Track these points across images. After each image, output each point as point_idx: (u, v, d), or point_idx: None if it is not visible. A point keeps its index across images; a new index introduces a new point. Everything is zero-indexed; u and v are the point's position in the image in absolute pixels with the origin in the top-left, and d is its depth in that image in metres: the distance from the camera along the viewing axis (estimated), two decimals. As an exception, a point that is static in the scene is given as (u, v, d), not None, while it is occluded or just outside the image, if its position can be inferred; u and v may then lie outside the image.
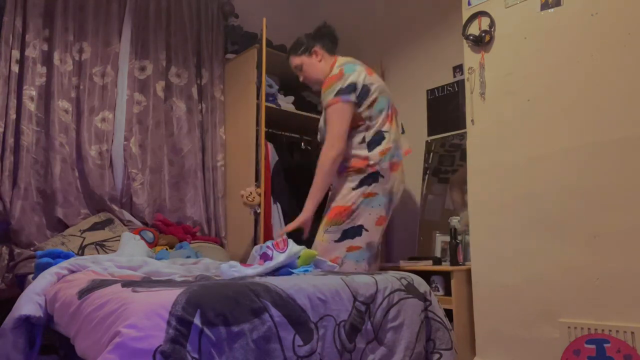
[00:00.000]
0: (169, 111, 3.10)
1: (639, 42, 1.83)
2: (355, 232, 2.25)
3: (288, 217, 3.00)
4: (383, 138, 2.33)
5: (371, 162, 2.29)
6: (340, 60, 2.44)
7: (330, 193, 2.42)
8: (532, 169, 2.07)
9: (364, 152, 2.31)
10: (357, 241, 2.25)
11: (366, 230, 2.26)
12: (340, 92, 2.30)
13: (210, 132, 3.23)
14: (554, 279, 1.95)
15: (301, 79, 2.56)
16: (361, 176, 2.29)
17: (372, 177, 2.28)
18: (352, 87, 2.31)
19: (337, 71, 2.36)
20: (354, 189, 2.29)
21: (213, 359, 1.11)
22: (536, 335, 1.98)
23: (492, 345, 2.13)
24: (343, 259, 2.23)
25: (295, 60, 2.54)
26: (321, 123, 2.45)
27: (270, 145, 3.10)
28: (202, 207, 3.11)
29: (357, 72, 2.35)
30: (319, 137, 2.50)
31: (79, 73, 2.79)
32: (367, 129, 2.34)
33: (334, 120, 2.29)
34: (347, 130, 2.30)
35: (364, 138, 2.33)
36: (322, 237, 2.29)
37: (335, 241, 2.26)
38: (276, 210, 3.01)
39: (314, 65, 2.49)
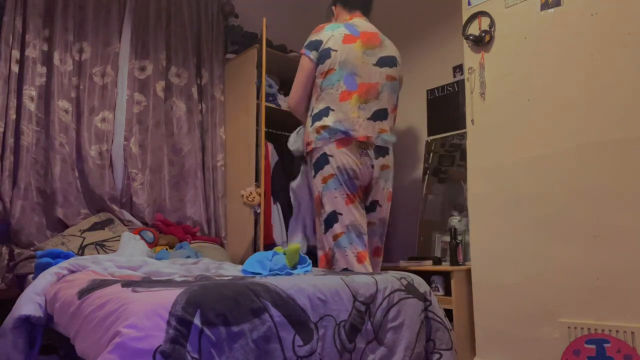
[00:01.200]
0: (169, 111, 3.10)
1: (639, 42, 1.83)
2: (331, 219, 2.19)
3: (288, 217, 3.00)
4: (326, 115, 2.23)
5: (309, 139, 2.26)
6: (352, 20, 2.39)
7: None
8: (532, 169, 2.07)
9: (308, 126, 2.30)
10: (338, 227, 2.18)
11: (340, 213, 2.18)
12: (306, 46, 2.33)
13: (210, 132, 3.23)
14: (554, 279, 1.95)
15: None
16: (312, 162, 2.26)
17: (323, 160, 2.21)
18: (314, 45, 2.30)
19: (322, 25, 2.36)
20: (314, 177, 2.26)
21: (213, 359, 1.11)
22: (536, 335, 1.98)
23: (492, 345, 2.13)
24: (333, 249, 2.19)
25: None
26: None
27: (270, 146, 3.10)
28: (202, 207, 3.11)
29: (330, 33, 2.29)
30: None
31: (79, 73, 2.79)
32: (317, 100, 2.29)
33: (298, 70, 2.34)
34: (304, 84, 2.31)
35: (312, 110, 2.30)
36: (319, 231, 2.27)
37: (324, 233, 2.22)
38: (276, 210, 3.01)
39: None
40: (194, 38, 3.26)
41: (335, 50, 2.26)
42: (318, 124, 2.24)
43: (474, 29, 2.32)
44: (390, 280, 1.65)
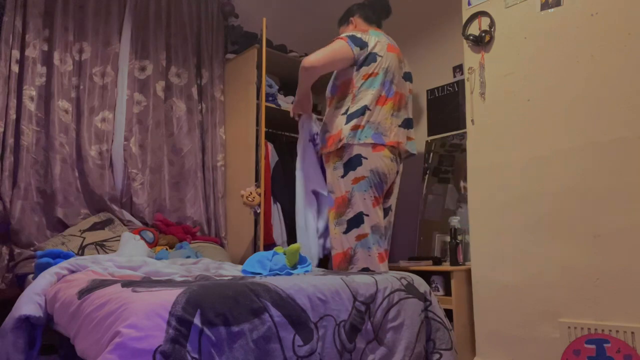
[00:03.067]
0: (169, 111, 3.10)
1: (639, 42, 1.83)
2: (358, 220, 2.23)
3: (288, 217, 3.01)
4: (363, 114, 2.27)
5: (342, 136, 2.27)
6: (378, 31, 2.46)
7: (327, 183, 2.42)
8: (532, 169, 2.07)
9: (341, 123, 2.30)
10: (363, 228, 2.22)
11: (366, 215, 2.23)
12: (350, 37, 2.33)
13: (210, 132, 3.23)
14: (554, 279, 1.95)
15: None
16: (343, 161, 2.27)
17: (357, 160, 2.24)
18: (359, 42, 2.33)
19: (365, 28, 2.44)
20: (342, 177, 2.27)
21: (213, 359, 1.11)
22: (536, 335, 1.98)
23: (492, 345, 2.13)
24: (354, 249, 2.23)
25: (339, 31, 2.56)
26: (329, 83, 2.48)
27: (270, 146, 3.10)
28: (202, 207, 3.11)
29: (376, 39, 2.37)
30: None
31: (79, 73, 2.79)
32: (353, 100, 2.31)
33: (329, 46, 2.31)
34: (332, 62, 2.30)
35: (347, 109, 2.31)
36: (334, 230, 2.30)
37: (344, 233, 2.25)
38: (276, 210, 3.01)
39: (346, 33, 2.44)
40: (194, 38, 3.26)
41: (381, 56, 2.34)
42: (354, 122, 2.26)
43: (474, 29, 2.33)
44: (390, 280, 1.65)
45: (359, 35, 2.35)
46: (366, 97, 2.29)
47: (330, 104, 2.43)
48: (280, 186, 3.05)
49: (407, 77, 2.51)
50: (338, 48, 2.30)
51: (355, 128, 2.26)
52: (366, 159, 2.24)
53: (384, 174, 2.27)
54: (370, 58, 2.32)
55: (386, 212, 2.41)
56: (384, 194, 2.33)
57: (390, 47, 2.41)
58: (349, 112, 2.30)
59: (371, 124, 2.27)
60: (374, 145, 2.26)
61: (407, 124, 2.42)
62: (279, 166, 3.10)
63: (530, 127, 2.09)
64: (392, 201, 2.44)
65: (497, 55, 2.24)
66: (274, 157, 3.11)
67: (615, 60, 1.88)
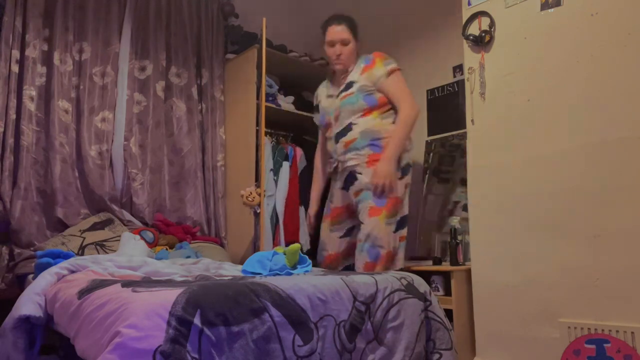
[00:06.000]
0: (169, 111, 3.10)
1: (639, 42, 1.83)
2: (404, 222, 2.42)
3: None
4: None
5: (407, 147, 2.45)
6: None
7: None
8: (532, 169, 2.06)
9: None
10: (404, 231, 2.42)
11: (407, 219, 2.45)
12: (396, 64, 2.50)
13: (210, 132, 3.23)
14: (554, 279, 1.95)
15: (337, 52, 2.51)
16: (402, 165, 2.41)
17: (409, 168, 2.46)
18: None
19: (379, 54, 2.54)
20: (400, 178, 2.39)
21: (213, 359, 1.11)
22: (536, 335, 1.98)
23: (492, 345, 2.13)
24: (397, 249, 2.37)
25: (347, 36, 2.52)
26: (356, 93, 2.45)
27: (300, 151, 3.21)
28: (202, 207, 3.11)
29: None
30: (349, 108, 2.47)
31: (79, 73, 2.78)
32: (395, 111, 2.46)
33: (403, 84, 2.47)
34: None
35: (394, 121, 2.46)
36: (384, 228, 2.33)
37: (394, 232, 2.36)
38: (302, 213, 3.15)
39: (354, 52, 2.55)
40: (194, 38, 3.26)
41: None
42: None
43: (474, 29, 2.32)
44: (390, 280, 1.65)
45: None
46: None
47: (367, 114, 2.43)
48: (306, 191, 3.11)
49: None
50: (404, 80, 2.50)
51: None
52: (411, 166, 2.49)
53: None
54: None
55: None
56: None
57: None
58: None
59: None
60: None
61: None
62: (306, 171, 3.18)
63: (530, 127, 2.09)
64: None
65: (497, 55, 2.24)
66: (302, 162, 3.22)
67: (615, 60, 1.87)
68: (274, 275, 1.69)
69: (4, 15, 2.52)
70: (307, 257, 1.91)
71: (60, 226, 2.61)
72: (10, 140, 2.47)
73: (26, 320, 1.56)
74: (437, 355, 1.68)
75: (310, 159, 3.23)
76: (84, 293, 1.38)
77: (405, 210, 2.42)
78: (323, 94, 2.66)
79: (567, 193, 1.95)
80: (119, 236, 2.52)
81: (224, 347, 1.14)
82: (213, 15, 3.34)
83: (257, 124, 2.95)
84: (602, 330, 1.79)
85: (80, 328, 1.28)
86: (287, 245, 2.79)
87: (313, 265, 2.24)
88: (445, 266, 2.49)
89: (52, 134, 2.61)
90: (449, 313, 2.15)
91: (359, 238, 2.37)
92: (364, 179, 2.38)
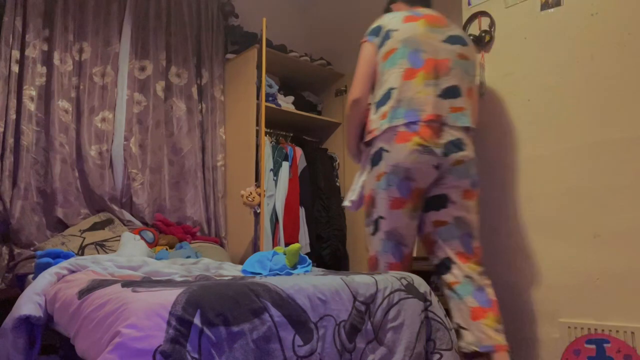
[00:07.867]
0: (169, 111, 3.10)
1: (639, 42, 1.83)
2: (379, 221, 1.99)
3: (312, 221, 3.19)
4: (389, 97, 1.95)
5: (371, 127, 2.01)
6: (410, 10, 2.12)
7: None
8: (532, 169, 2.07)
9: (372, 114, 2.04)
10: (380, 233, 1.99)
11: (382, 218, 1.96)
12: (368, 33, 2.10)
13: (210, 132, 3.23)
14: (554, 279, 1.95)
15: None
16: (370, 156, 2.01)
17: (378, 155, 1.96)
18: (375, 31, 2.08)
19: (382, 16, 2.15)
20: (369, 172, 2.02)
21: (213, 359, 1.11)
22: (536, 335, 1.98)
23: (492, 345, 2.13)
24: (377, 255, 2.02)
25: None
26: None
27: (300, 151, 3.20)
28: (202, 207, 3.11)
29: (391, 17, 2.08)
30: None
31: (79, 73, 2.79)
32: (379, 86, 2.03)
33: (357, 63, 2.09)
34: (368, 72, 2.05)
35: (374, 97, 2.05)
36: (365, 231, 2.08)
37: (371, 234, 2.02)
38: (302, 213, 3.14)
39: None
40: (194, 38, 3.26)
41: (396, 30, 2.02)
42: (382, 109, 1.97)
43: (474, 29, 2.32)
44: (390, 280, 1.65)
45: (373, 25, 2.10)
46: (390, 78, 1.97)
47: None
48: (305, 191, 3.10)
49: (454, 40, 2.04)
50: (362, 55, 2.09)
51: (383, 116, 1.96)
52: (388, 152, 1.92)
53: (408, 169, 1.90)
54: (385, 37, 2.03)
55: (442, 222, 2.00)
56: (412, 194, 1.93)
57: (409, 18, 2.05)
58: (375, 100, 2.03)
59: (402, 103, 1.93)
60: (399, 136, 1.92)
61: (448, 92, 1.96)
62: (306, 171, 3.18)
63: (530, 127, 2.09)
64: (456, 211, 1.95)
65: (497, 55, 2.24)
66: (302, 163, 3.20)
67: (615, 60, 1.87)
68: (274, 275, 1.69)
69: (4, 15, 2.52)
70: (307, 257, 1.90)
71: (60, 226, 2.61)
72: (10, 140, 2.47)
73: (26, 320, 1.56)
74: (437, 356, 1.68)
75: (310, 159, 3.23)
76: (84, 293, 1.38)
77: (379, 210, 1.96)
78: None
79: (567, 193, 1.95)
80: (119, 236, 2.52)
81: (224, 347, 1.14)
82: (213, 15, 3.34)
83: (257, 124, 2.95)
84: (602, 330, 1.79)
85: (80, 328, 1.28)
86: (286, 245, 2.80)
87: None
88: (445, 266, 2.49)
89: (52, 134, 2.61)
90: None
91: None
92: None
